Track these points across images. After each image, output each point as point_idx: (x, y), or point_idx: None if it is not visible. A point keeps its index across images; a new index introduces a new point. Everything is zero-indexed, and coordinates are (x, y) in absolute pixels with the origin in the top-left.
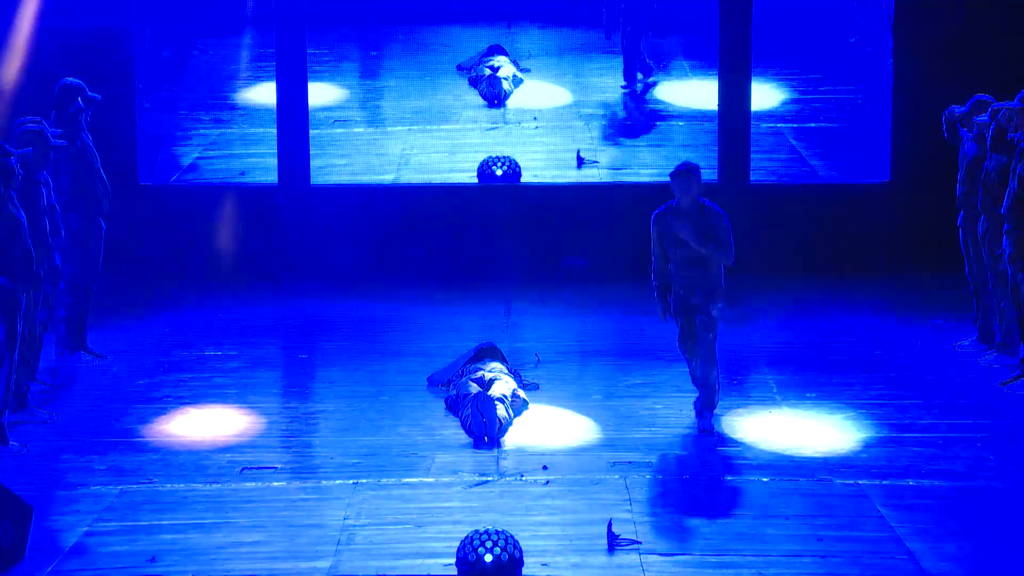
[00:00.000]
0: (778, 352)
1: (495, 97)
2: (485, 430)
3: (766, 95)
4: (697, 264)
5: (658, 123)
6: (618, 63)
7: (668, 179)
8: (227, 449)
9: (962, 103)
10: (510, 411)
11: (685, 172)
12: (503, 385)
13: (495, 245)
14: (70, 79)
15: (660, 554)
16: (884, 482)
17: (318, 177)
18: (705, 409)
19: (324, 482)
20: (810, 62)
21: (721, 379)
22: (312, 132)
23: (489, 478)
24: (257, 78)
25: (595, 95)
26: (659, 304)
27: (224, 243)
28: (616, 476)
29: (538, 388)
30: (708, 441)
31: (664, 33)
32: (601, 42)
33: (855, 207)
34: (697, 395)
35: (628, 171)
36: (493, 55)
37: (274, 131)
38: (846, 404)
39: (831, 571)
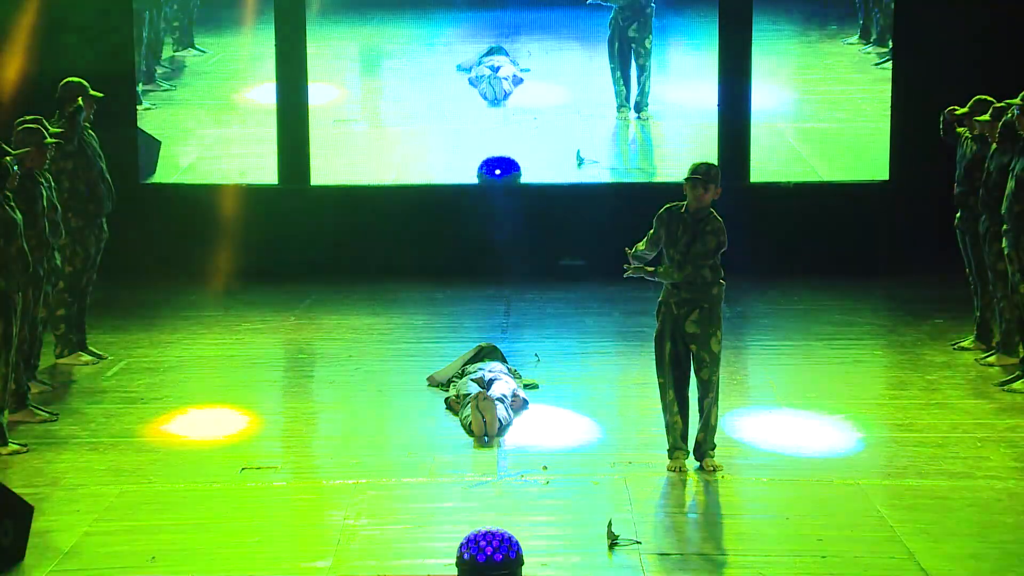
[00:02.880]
0: (778, 352)
1: (495, 97)
2: (485, 430)
3: (766, 95)
4: (696, 276)
5: (658, 123)
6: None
7: (666, 179)
8: (227, 449)
9: (962, 103)
10: (510, 411)
11: (701, 178)
12: (503, 385)
13: (495, 245)
14: (72, 78)
15: (660, 554)
16: (884, 482)
17: (318, 177)
18: (707, 448)
19: (324, 482)
20: (810, 61)
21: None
22: (312, 132)
23: (489, 478)
24: (257, 78)
25: (595, 95)
26: (631, 256)
27: (224, 243)
28: (616, 476)
29: (538, 388)
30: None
31: (664, 32)
32: (601, 44)
33: (855, 207)
34: (669, 432)
35: (628, 171)
36: (493, 55)
37: (274, 131)
38: (846, 404)
39: (831, 571)
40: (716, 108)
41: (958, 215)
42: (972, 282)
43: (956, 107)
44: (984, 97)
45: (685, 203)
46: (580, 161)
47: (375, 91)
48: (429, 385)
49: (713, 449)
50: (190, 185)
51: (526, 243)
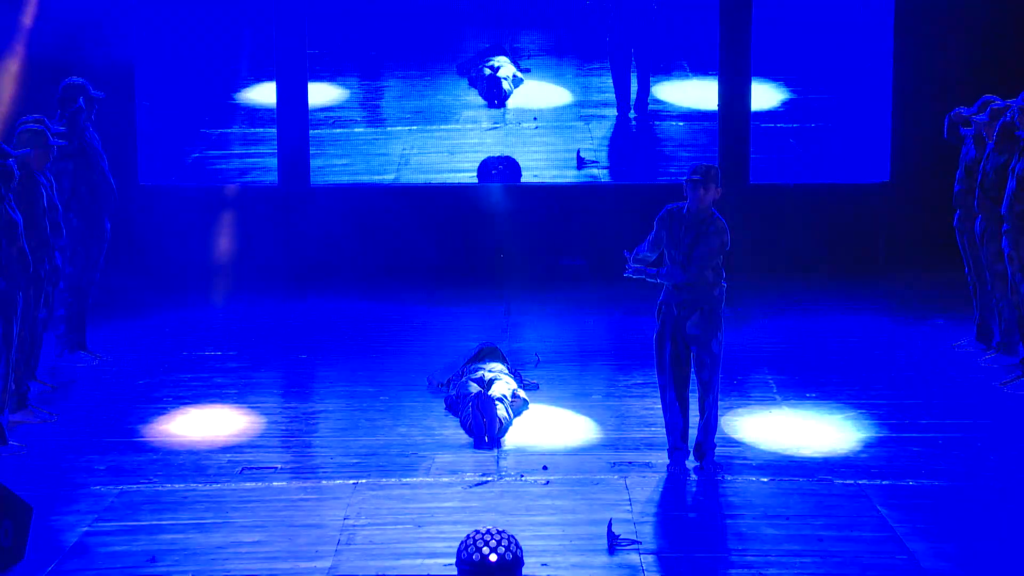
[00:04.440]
0: (778, 352)
1: (495, 97)
2: (485, 430)
3: (766, 95)
4: (699, 278)
5: (658, 123)
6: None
7: (666, 179)
8: (227, 449)
9: (962, 103)
10: (510, 411)
11: (701, 179)
12: (503, 385)
13: (495, 245)
14: (73, 78)
15: (660, 554)
16: (884, 482)
17: (318, 177)
18: (707, 448)
19: (324, 482)
20: (810, 61)
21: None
22: (312, 132)
23: (489, 478)
24: (257, 78)
25: (595, 95)
26: (630, 258)
27: (224, 243)
28: (616, 476)
29: (538, 388)
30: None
31: (664, 33)
32: (602, 42)
33: (855, 207)
34: (671, 430)
35: (628, 171)
36: (493, 55)
37: (274, 131)
38: (846, 404)
39: (831, 571)
40: (716, 108)
41: (957, 214)
42: (972, 282)
43: (963, 108)
44: (990, 98)
45: (686, 204)
46: (580, 161)
47: (375, 91)
48: (429, 385)
49: (713, 449)
50: (190, 185)
51: (526, 243)
